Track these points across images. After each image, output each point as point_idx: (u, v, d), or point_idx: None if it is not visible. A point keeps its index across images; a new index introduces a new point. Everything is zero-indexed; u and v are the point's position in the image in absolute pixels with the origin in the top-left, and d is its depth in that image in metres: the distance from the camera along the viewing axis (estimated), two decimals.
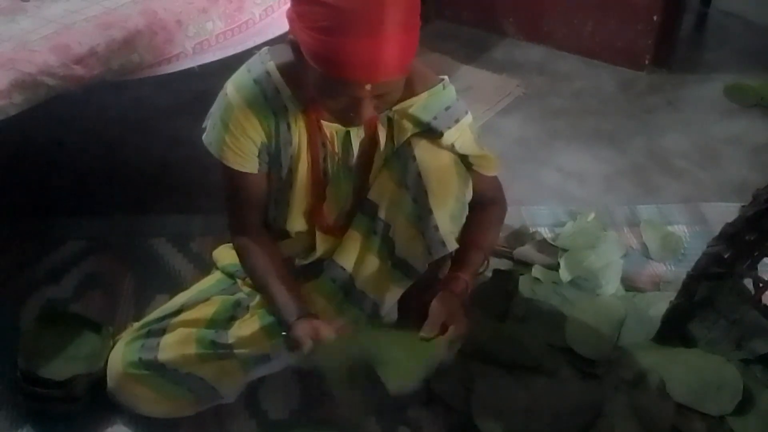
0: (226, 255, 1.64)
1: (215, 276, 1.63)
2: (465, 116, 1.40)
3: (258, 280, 1.46)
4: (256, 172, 1.40)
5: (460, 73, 2.77)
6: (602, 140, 2.47)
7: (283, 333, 1.38)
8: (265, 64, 1.35)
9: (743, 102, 2.66)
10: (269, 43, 1.90)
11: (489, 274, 1.81)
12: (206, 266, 1.76)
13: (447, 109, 1.38)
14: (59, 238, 1.96)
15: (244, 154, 1.37)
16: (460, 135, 1.39)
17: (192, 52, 1.82)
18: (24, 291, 1.80)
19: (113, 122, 2.43)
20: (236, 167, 1.38)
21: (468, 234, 1.47)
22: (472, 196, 1.47)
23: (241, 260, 1.50)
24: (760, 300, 1.63)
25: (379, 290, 1.46)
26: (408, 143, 1.39)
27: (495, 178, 1.50)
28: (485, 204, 1.49)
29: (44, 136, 2.31)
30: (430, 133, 1.38)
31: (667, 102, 2.69)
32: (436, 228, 1.39)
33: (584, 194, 2.22)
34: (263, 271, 1.44)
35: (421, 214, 1.39)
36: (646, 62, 2.81)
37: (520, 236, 1.98)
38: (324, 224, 1.49)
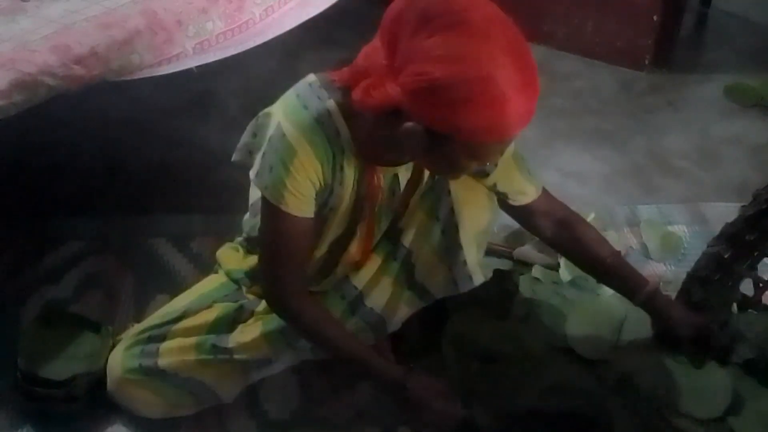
0: (230, 258, 1.62)
1: (219, 279, 1.61)
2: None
3: (338, 346, 1.39)
4: (311, 215, 1.31)
5: None
6: (602, 140, 2.47)
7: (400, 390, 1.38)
8: (324, 101, 1.26)
9: (743, 102, 2.66)
10: (269, 43, 1.91)
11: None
12: (206, 266, 1.76)
13: None
14: (59, 238, 1.96)
15: (304, 197, 1.28)
16: (503, 170, 1.40)
17: (192, 52, 1.82)
18: (24, 291, 1.80)
19: (113, 122, 2.43)
20: (295, 212, 1.28)
21: (604, 260, 1.53)
22: (543, 222, 1.52)
23: (301, 325, 1.40)
24: (760, 300, 1.63)
25: (389, 309, 1.46)
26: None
27: (544, 191, 1.52)
28: (568, 222, 1.53)
29: (44, 136, 2.31)
30: (475, 172, 1.39)
31: (667, 102, 2.68)
32: (465, 263, 1.41)
33: (584, 194, 2.22)
34: (343, 338, 1.39)
35: (449, 246, 1.40)
36: (646, 62, 2.81)
37: (520, 236, 1.97)
38: (361, 260, 1.48)
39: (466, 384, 1.56)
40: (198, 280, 1.65)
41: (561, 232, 1.53)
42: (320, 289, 1.52)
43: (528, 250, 1.91)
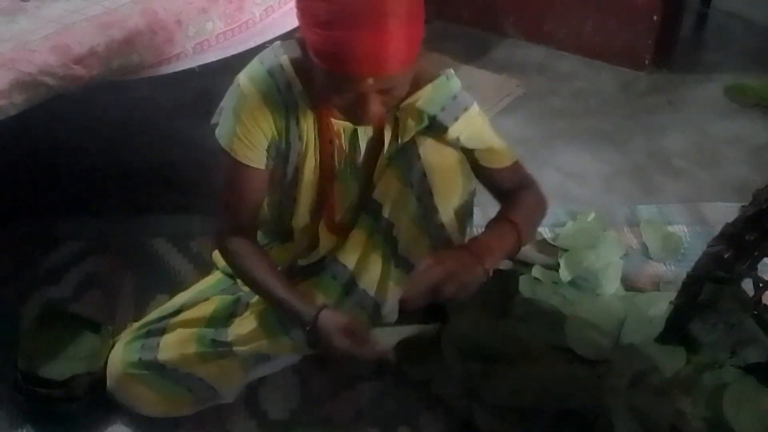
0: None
1: (215, 276, 1.64)
2: (472, 105, 1.40)
3: (258, 282, 1.43)
4: (262, 167, 1.39)
5: (460, 73, 2.70)
6: (602, 140, 2.47)
7: (306, 329, 1.36)
8: (278, 57, 1.35)
9: (743, 102, 2.66)
10: (269, 43, 1.91)
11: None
12: (206, 266, 1.76)
13: (454, 98, 1.39)
14: (59, 238, 1.96)
15: (254, 146, 1.36)
16: (468, 126, 1.39)
17: (192, 52, 1.82)
18: (24, 291, 1.80)
19: (113, 122, 2.43)
20: (243, 160, 1.36)
21: (501, 213, 1.43)
22: (496, 189, 1.46)
23: (232, 262, 1.47)
24: (760, 300, 1.63)
25: (381, 289, 1.46)
26: (412, 141, 1.40)
27: (516, 165, 1.46)
28: (515, 191, 1.45)
29: (44, 136, 2.31)
30: (436, 129, 1.38)
31: (667, 102, 2.69)
32: (442, 226, 1.40)
33: (584, 194, 2.22)
34: (263, 274, 1.41)
35: (426, 212, 1.39)
36: (646, 62, 2.81)
37: None
38: (330, 222, 1.49)
39: (466, 384, 1.57)
40: (197, 280, 1.65)
41: (506, 198, 1.48)
42: (307, 262, 1.54)
43: (528, 250, 1.91)
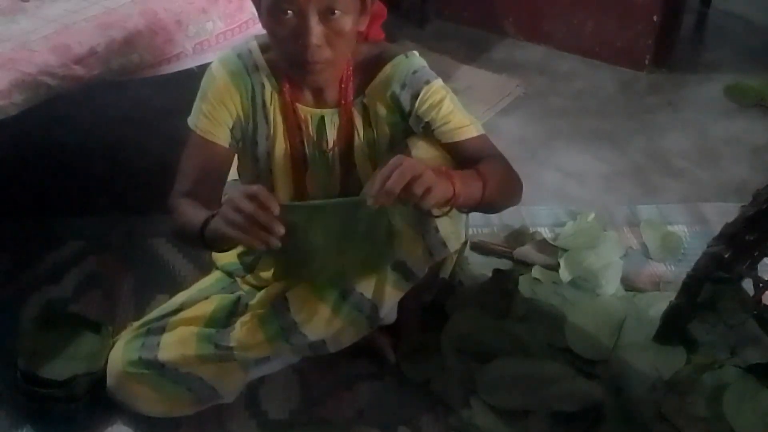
0: (225, 254, 1.63)
1: (215, 275, 1.64)
2: (435, 79, 1.41)
3: (178, 221, 1.36)
4: (226, 145, 1.42)
5: (460, 73, 2.76)
6: (602, 140, 2.47)
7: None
8: (248, 43, 1.42)
9: (743, 102, 2.66)
10: None
11: (489, 274, 1.82)
12: (206, 266, 1.76)
13: (414, 73, 1.40)
14: (59, 238, 1.96)
15: (218, 122, 1.41)
16: (429, 99, 1.39)
17: (192, 52, 1.82)
18: (24, 291, 1.80)
19: (113, 122, 2.43)
20: (207, 136, 1.41)
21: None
22: (463, 165, 1.39)
23: (171, 219, 1.39)
24: (760, 300, 1.63)
25: (378, 293, 1.45)
26: (405, 145, 1.40)
27: (483, 138, 1.43)
28: (481, 160, 1.38)
29: (44, 136, 2.31)
30: (402, 112, 1.40)
31: (667, 102, 2.69)
32: (437, 230, 1.39)
33: (584, 194, 2.22)
34: (185, 214, 1.34)
35: (421, 216, 1.39)
36: (646, 62, 2.81)
37: (520, 236, 1.98)
38: None
39: (466, 384, 1.57)
40: (197, 280, 1.65)
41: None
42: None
43: (528, 250, 1.91)
